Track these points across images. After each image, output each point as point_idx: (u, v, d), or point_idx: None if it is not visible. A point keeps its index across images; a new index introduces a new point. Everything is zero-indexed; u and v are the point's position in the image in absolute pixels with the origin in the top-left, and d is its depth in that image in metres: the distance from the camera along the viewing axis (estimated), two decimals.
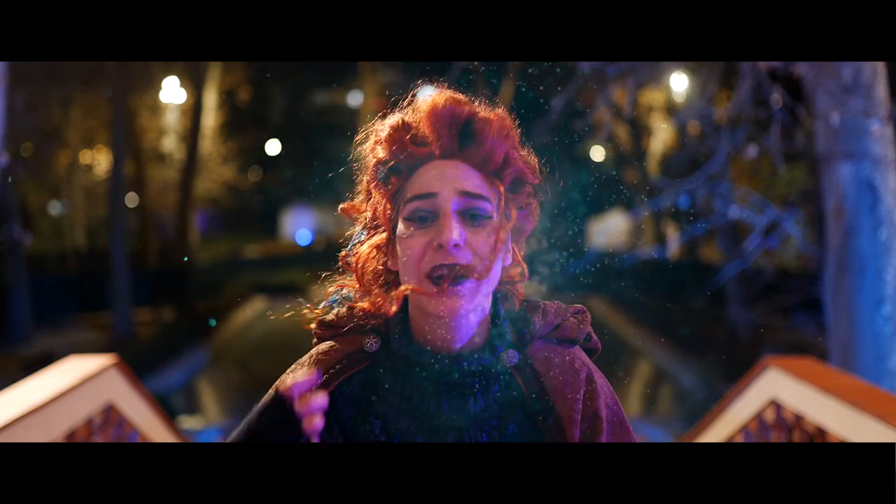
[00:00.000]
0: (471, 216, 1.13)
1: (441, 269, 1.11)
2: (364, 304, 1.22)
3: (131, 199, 18.00)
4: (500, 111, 1.19)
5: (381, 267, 1.21)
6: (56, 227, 18.73)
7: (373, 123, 1.24)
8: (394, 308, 1.16)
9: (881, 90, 4.28)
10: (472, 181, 1.14)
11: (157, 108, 18.38)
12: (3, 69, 4.41)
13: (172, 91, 17.79)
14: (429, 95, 1.19)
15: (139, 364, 9.56)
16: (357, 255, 1.22)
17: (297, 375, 1.17)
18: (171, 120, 18.81)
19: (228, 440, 1.14)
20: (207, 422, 10.59)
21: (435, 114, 1.16)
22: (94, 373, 3.19)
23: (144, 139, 18.07)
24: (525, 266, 1.25)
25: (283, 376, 1.22)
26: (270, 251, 27.10)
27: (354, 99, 27.11)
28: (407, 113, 1.20)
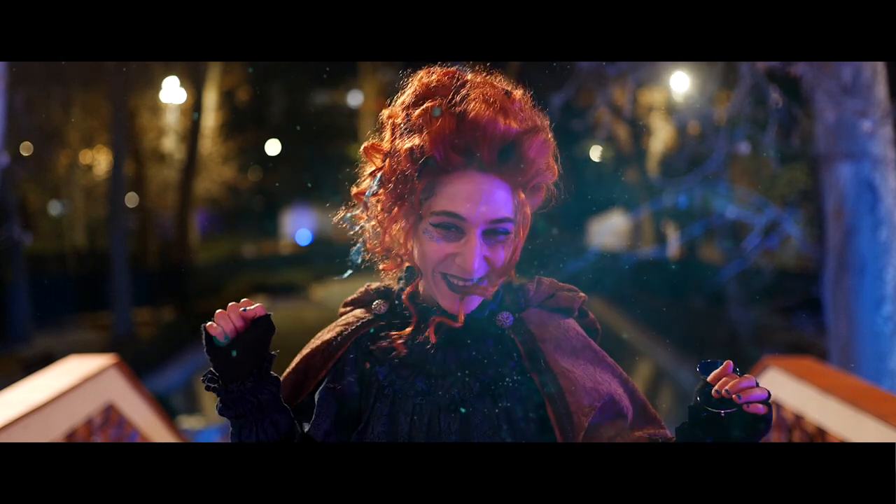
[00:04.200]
0: (493, 233, 1.18)
1: (457, 280, 1.18)
2: (386, 265, 1.30)
3: (131, 199, 17.99)
4: (544, 122, 1.21)
5: (390, 238, 1.26)
6: (56, 227, 18.70)
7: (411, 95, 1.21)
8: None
9: (881, 90, 4.28)
10: (501, 202, 1.17)
11: (157, 108, 18.36)
12: (3, 69, 4.42)
13: (172, 91, 17.76)
14: (475, 100, 1.15)
15: (139, 364, 9.57)
16: (379, 222, 1.25)
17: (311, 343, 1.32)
18: (171, 120, 18.79)
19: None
20: (207, 422, 10.58)
21: (483, 129, 1.13)
22: (94, 373, 3.20)
23: (144, 139, 18.06)
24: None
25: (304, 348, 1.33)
26: (270, 251, 27.09)
27: (354, 99, 27.10)
28: (452, 111, 1.15)
